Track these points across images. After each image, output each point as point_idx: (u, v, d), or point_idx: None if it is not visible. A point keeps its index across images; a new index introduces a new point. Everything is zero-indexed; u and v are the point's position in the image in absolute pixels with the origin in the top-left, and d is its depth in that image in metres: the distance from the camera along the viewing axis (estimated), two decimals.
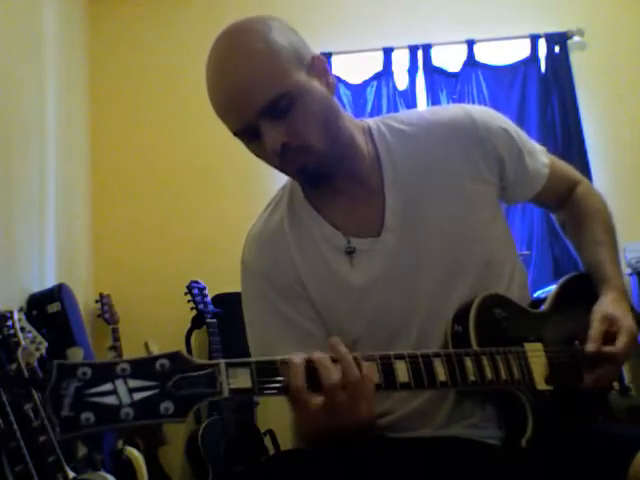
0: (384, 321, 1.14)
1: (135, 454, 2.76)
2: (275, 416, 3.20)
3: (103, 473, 2.26)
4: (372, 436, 1.03)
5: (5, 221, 2.69)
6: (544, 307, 1.21)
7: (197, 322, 3.29)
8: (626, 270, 3.12)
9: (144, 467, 2.74)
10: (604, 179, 3.48)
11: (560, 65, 3.62)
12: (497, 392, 1.07)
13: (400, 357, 0.97)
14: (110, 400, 0.77)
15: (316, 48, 1.14)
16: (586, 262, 1.29)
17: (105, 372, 0.78)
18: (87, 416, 0.75)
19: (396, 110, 3.56)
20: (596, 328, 1.12)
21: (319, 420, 0.93)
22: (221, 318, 3.26)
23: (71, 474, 1.97)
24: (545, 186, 1.28)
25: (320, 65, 1.12)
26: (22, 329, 2.06)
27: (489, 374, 1.02)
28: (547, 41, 3.64)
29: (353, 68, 3.71)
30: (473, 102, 3.59)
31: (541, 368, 1.09)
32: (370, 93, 3.68)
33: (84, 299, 3.36)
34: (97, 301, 3.39)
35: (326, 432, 0.95)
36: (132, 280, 3.60)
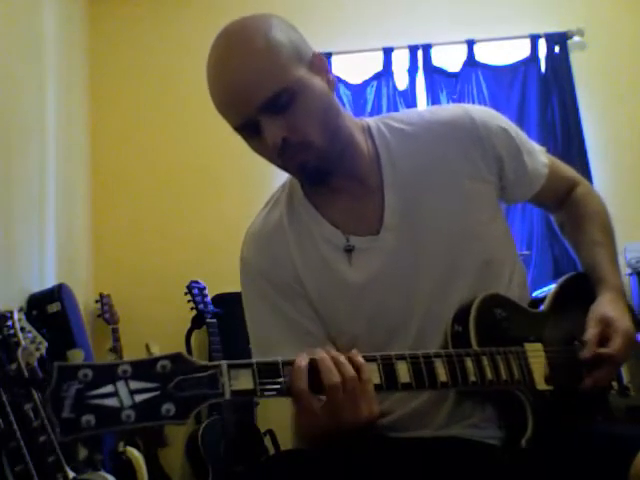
0: (382, 320, 1.14)
1: (135, 454, 2.76)
2: (275, 416, 3.20)
3: (103, 473, 2.26)
4: (372, 436, 1.03)
5: (5, 221, 2.68)
6: (543, 307, 1.21)
7: (197, 322, 3.29)
8: (626, 270, 3.12)
9: (144, 467, 2.74)
10: (604, 179, 3.48)
11: (560, 65, 3.62)
12: (497, 392, 1.07)
13: (401, 357, 0.97)
14: (111, 402, 0.77)
15: (316, 48, 1.14)
16: (584, 262, 1.29)
17: (106, 374, 0.78)
18: (88, 418, 0.75)
19: (396, 110, 3.56)
20: (591, 331, 1.12)
21: (321, 420, 0.93)
22: (221, 318, 3.26)
23: (71, 474, 1.97)
24: (544, 186, 1.28)
25: (320, 63, 1.12)
26: (22, 329, 2.06)
27: (489, 374, 1.02)
28: (547, 41, 3.64)
29: (353, 68, 3.71)
30: (473, 102, 3.59)
31: (541, 368, 1.09)
32: (370, 93, 3.69)
33: (84, 299, 3.36)
34: (97, 301, 3.39)
35: (328, 432, 0.95)
36: (132, 280, 3.60)
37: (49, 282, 2.97)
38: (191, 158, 3.72)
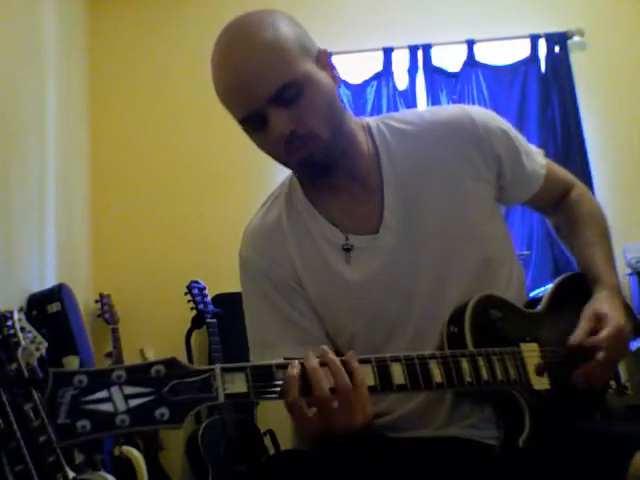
0: (381, 319, 1.14)
1: (135, 454, 2.76)
2: (275, 416, 3.20)
3: (103, 473, 2.26)
4: (372, 436, 1.03)
5: (5, 221, 2.69)
6: (540, 307, 1.21)
7: (197, 322, 3.29)
8: (626, 270, 3.12)
9: (144, 467, 2.74)
10: (604, 179, 3.48)
11: (560, 65, 3.62)
12: (494, 392, 1.07)
13: (396, 359, 0.97)
14: (106, 407, 0.77)
15: None
16: (580, 263, 1.29)
17: (101, 379, 0.79)
18: (83, 423, 0.76)
19: (396, 110, 3.56)
20: (583, 324, 1.11)
21: (315, 426, 0.93)
22: (221, 318, 3.26)
23: (71, 474, 1.97)
24: (542, 187, 1.29)
25: (326, 59, 1.13)
26: (22, 329, 2.06)
27: (485, 375, 1.03)
28: (547, 41, 3.64)
29: (353, 68, 3.71)
30: (473, 102, 3.59)
31: (538, 368, 1.09)
32: (370, 93, 3.69)
33: (84, 299, 3.36)
34: (97, 301, 3.39)
35: (323, 436, 0.95)
36: (132, 280, 3.60)
37: (49, 282, 2.97)
38: (191, 158, 3.72)
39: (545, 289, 1.26)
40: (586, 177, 3.39)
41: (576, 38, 3.65)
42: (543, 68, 3.64)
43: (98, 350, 3.28)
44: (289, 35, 1.07)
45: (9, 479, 1.79)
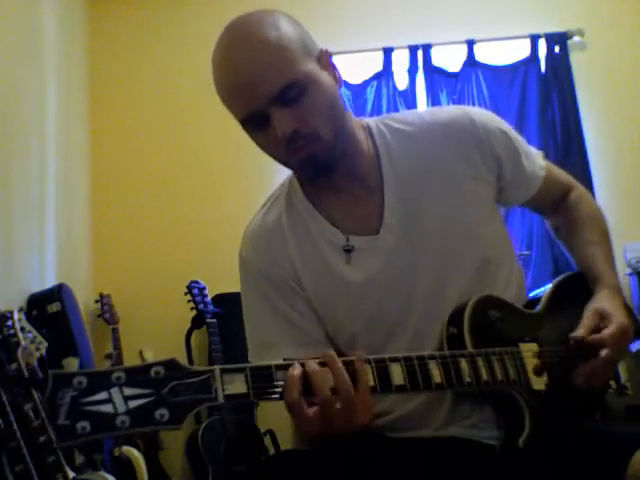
0: (381, 319, 1.14)
1: (135, 454, 2.76)
2: (275, 416, 3.20)
3: (103, 473, 2.26)
4: (372, 436, 1.03)
5: (5, 221, 2.69)
6: (539, 307, 1.21)
7: (197, 322, 3.29)
8: (626, 270, 3.12)
9: (144, 467, 2.74)
10: (604, 179, 3.48)
11: (560, 65, 3.62)
12: (494, 393, 1.07)
13: (395, 360, 0.97)
14: (106, 408, 0.78)
15: None
16: (580, 263, 1.29)
17: (100, 381, 0.79)
18: (83, 425, 0.76)
19: (396, 110, 3.56)
20: (585, 321, 1.11)
21: (315, 427, 0.93)
22: (221, 318, 3.26)
23: (71, 474, 1.97)
24: (541, 188, 1.29)
25: (327, 59, 1.13)
26: (22, 329, 2.06)
27: (484, 375, 1.03)
28: (547, 41, 3.64)
29: (353, 68, 3.71)
30: (473, 102, 3.59)
31: (537, 368, 1.09)
32: (370, 93, 3.69)
33: (84, 299, 3.36)
34: (97, 301, 3.39)
35: (323, 436, 0.95)
36: (132, 280, 3.60)
37: (49, 282, 2.98)
38: (191, 158, 3.72)
39: (544, 289, 1.26)
40: (586, 177, 3.39)
41: (576, 38, 3.65)
42: (543, 68, 3.64)
43: (98, 350, 3.29)
44: (291, 35, 1.07)
45: (9, 479, 1.79)
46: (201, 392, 0.82)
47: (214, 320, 3.23)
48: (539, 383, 1.07)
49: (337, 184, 1.17)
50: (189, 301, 3.26)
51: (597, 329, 1.10)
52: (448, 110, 1.27)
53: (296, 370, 0.90)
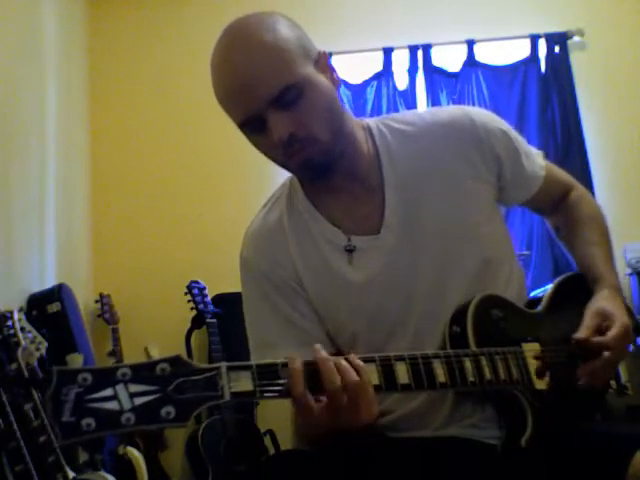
0: (382, 319, 1.14)
1: (135, 454, 2.76)
2: (275, 416, 3.21)
3: (103, 473, 2.26)
4: (372, 436, 1.03)
5: (5, 221, 2.69)
6: (540, 307, 1.21)
7: (197, 322, 3.29)
8: (626, 270, 3.12)
9: (144, 467, 2.74)
10: (604, 179, 3.48)
11: (560, 65, 3.62)
12: (496, 392, 1.07)
13: (400, 358, 0.97)
14: (111, 405, 0.77)
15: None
16: (580, 263, 1.29)
17: (106, 377, 0.78)
18: (88, 421, 0.75)
19: (396, 110, 3.56)
20: (587, 321, 1.11)
21: (322, 422, 0.93)
22: (221, 318, 3.26)
23: (71, 474, 1.97)
24: (541, 188, 1.29)
25: (326, 61, 1.13)
26: (22, 329, 2.06)
27: (488, 374, 1.03)
28: (547, 41, 3.64)
29: (353, 68, 3.71)
30: (473, 102, 3.59)
31: (539, 368, 1.09)
32: (370, 93, 3.69)
33: (84, 299, 3.36)
34: (97, 301, 3.39)
35: (329, 432, 0.95)
36: (132, 280, 3.60)
37: (49, 282, 2.97)
38: (191, 158, 3.72)
39: (545, 289, 1.26)
40: (586, 177, 3.39)
41: (576, 38, 3.65)
42: (543, 68, 3.64)
43: (98, 350, 3.28)
44: (289, 37, 1.06)
45: (9, 479, 1.79)
46: (207, 390, 0.82)
47: (214, 320, 3.23)
48: (541, 383, 1.07)
49: (337, 185, 1.17)
50: (189, 301, 3.26)
51: (599, 329, 1.10)
52: (448, 110, 1.27)
53: (298, 362, 0.90)
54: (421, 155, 1.18)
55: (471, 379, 1.01)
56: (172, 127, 3.75)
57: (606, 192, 3.39)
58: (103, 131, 3.75)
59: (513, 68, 3.67)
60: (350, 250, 1.15)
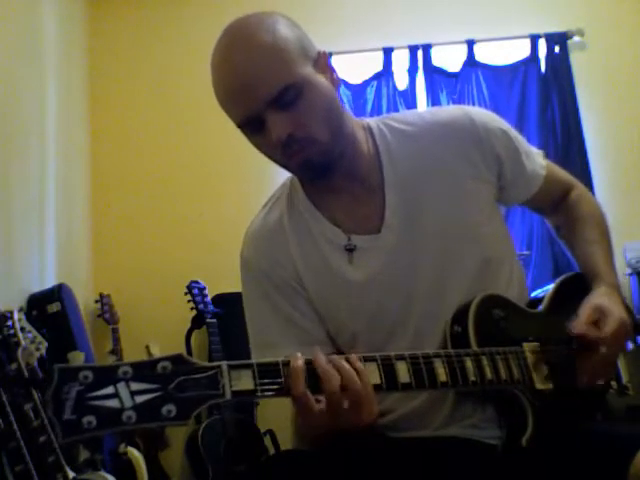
0: (382, 319, 1.14)
1: (135, 454, 2.76)
2: (275, 416, 3.21)
3: (103, 473, 2.26)
4: (372, 435, 1.03)
5: (5, 221, 2.69)
6: (541, 307, 1.21)
7: (197, 322, 3.29)
8: (626, 270, 3.12)
9: (144, 467, 2.74)
10: (604, 179, 3.48)
11: (560, 65, 3.62)
12: (497, 392, 1.07)
13: (401, 358, 0.97)
14: (112, 403, 0.77)
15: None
16: (579, 261, 1.29)
17: (107, 375, 0.78)
18: (89, 419, 0.75)
19: (396, 110, 3.56)
20: (584, 315, 1.11)
21: (321, 422, 0.93)
22: (221, 318, 3.26)
23: (71, 474, 1.97)
24: (542, 188, 1.29)
25: (325, 61, 1.13)
26: (22, 329, 2.06)
27: (489, 374, 1.03)
28: (547, 41, 3.64)
29: (353, 68, 3.71)
30: (473, 102, 3.59)
31: (540, 368, 1.09)
32: (370, 93, 3.69)
33: (84, 299, 3.36)
34: (97, 301, 3.39)
35: (329, 433, 0.95)
36: (132, 280, 3.60)
37: (49, 282, 2.97)
38: (191, 158, 3.72)
39: (546, 289, 1.26)
40: (586, 177, 3.39)
41: (576, 38, 3.65)
42: (543, 68, 3.64)
43: (98, 350, 3.28)
44: (289, 37, 1.06)
45: (9, 479, 1.79)
46: (208, 388, 0.82)
47: (214, 320, 3.23)
48: (542, 383, 1.07)
49: (337, 185, 1.17)
50: (189, 301, 3.26)
51: (596, 324, 1.10)
52: (448, 110, 1.28)
53: (299, 361, 0.90)
54: (421, 155, 1.18)
55: (472, 379, 1.01)
56: (172, 127, 3.75)
57: (606, 192, 3.39)
58: (103, 131, 3.75)
59: (513, 68, 3.67)
60: (350, 249, 1.15)
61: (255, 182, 3.34)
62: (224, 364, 0.84)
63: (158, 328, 3.46)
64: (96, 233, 3.66)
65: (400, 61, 3.70)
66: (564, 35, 3.63)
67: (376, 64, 3.70)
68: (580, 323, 1.10)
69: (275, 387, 0.88)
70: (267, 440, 3.22)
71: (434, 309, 1.13)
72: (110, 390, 0.77)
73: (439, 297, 1.13)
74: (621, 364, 1.21)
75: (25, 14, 3.01)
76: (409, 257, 1.14)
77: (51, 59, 3.25)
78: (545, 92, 3.61)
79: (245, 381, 0.85)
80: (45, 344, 2.13)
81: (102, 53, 3.81)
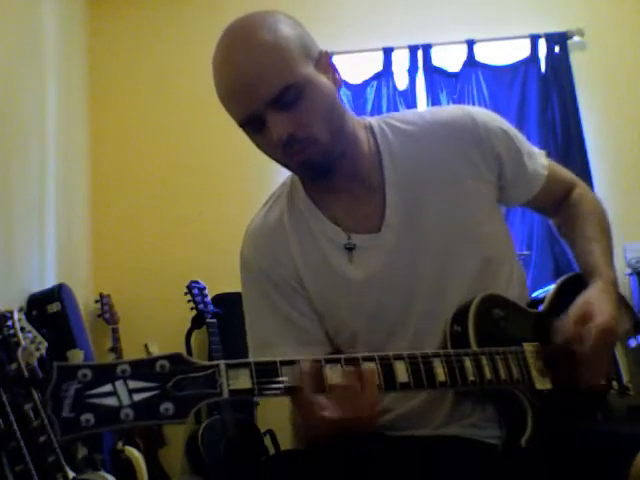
0: (382, 318, 1.14)
1: (135, 454, 2.76)
2: (275, 416, 3.20)
3: (103, 473, 2.26)
4: (371, 435, 1.03)
5: (5, 221, 2.69)
6: (542, 307, 1.21)
7: (197, 322, 3.29)
8: (626, 270, 3.12)
9: (144, 467, 2.73)
10: (604, 179, 3.48)
11: (560, 65, 3.62)
12: (496, 392, 1.07)
13: (399, 357, 0.97)
14: (110, 401, 0.77)
15: None
16: (578, 258, 1.29)
17: (105, 373, 0.78)
18: (87, 417, 0.76)
19: (396, 110, 3.56)
20: (571, 312, 1.11)
21: (323, 424, 0.93)
22: (221, 318, 3.26)
23: (71, 474, 1.97)
24: (543, 187, 1.28)
25: (327, 61, 1.13)
26: (22, 329, 2.06)
27: (488, 374, 1.03)
28: (547, 41, 3.64)
29: (353, 68, 3.71)
30: (473, 102, 3.59)
31: (540, 368, 1.09)
32: (370, 93, 3.69)
33: (84, 299, 3.36)
34: (97, 301, 3.39)
35: (331, 433, 0.95)
36: (132, 280, 3.60)
37: (49, 282, 2.97)
38: (191, 158, 3.72)
39: (547, 290, 1.26)
40: (586, 177, 3.39)
41: (576, 38, 3.65)
42: (543, 68, 3.64)
43: (98, 350, 3.28)
44: (290, 36, 1.06)
45: (9, 479, 1.79)
46: (206, 387, 0.82)
47: (214, 320, 3.23)
48: (542, 383, 1.07)
49: (338, 184, 1.17)
50: (189, 301, 3.26)
51: (582, 321, 1.09)
52: (449, 110, 1.28)
53: (307, 364, 0.90)
54: (422, 154, 1.18)
55: (471, 378, 1.01)
56: (172, 127, 3.75)
57: (606, 192, 3.39)
58: (103, 131, 3.75)
59: (513, 68, 3.67)
60: (350, 248, 1.15)
61: (255, 181, 3.34)
62: (222, 363, 0.84)
63: (158, 328, 3.46)
64: (96, 233, 3.66)
65: (400, 61, 3.70)
66: (564, 35, 3.63)
67: (376, 64, 3.70)
68: (566, 320, 1.10)
69: (273, 386, 0.88)
70: (267, 440, 3.21)
71: (434, 309, 1.13)
72: (108, 388, 0.78)
73: (439, 297, 1.13)
74: (622, 364, 1.21)
75: (25, 14, 3.01)
76: (409, 256, 1.14)
77: (51, 59, 3.25)
78: (545, 92, 3.61)
79: (243, 380, 0.85)
80: (45, 344, 2.13)
81: (102, 53, 3.81)
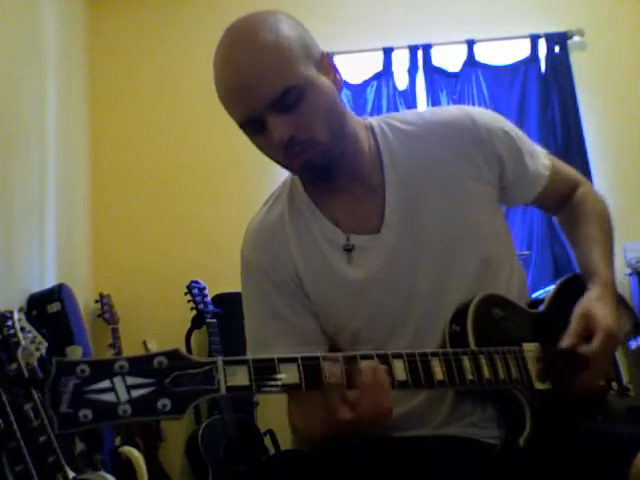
0: (382, 318, 1.14)
1: (135, 454, 2.76)
2: (275, 416, 3.20)
3: (103, 473, 2.26)
4: (371, 435, 1.03)
5: (5, 221, 2.69)
6: (542, 307, 1.21)
7: (197, 322, 3.29)
8: (626, 270, 3.12)
9: (144, 467, 2.73)
10: (604, 179, 3.48)
11: (560, 65, 3.62)
12: (495, 391, 1.07)
13: (398, 356, 0.97)
14: (108, 397, 0.78)
15: None
16: (578, 258, 1.29)
17: (103, 369, 0.79)
18: (85, 412, 0.76)
19: (396, 110, 3.56)
20: (572, 326, 1.10)
21: (345, 426, 0.92)
22: (221, 318, 3.26)
23: (71, 474, 1.97)
24: (546, 187, 1.28)
25: (328, 62, 1.12)
26: (22, 329, 2.06)
27: (487, 373, 1.03)
28: (547, 41, 3.64)
29: (353, 68, 3.71)
30: (473, 102, 3.59)
31: (539, 368, 1.09)
32: (370, 93, 3.69)
33: (84, 299, 3.36)
34: (97, 301, 3.39)
35: (356, 431, 0.94)
36: (132, 280, 3.60)
37: (49, 282, 2.97)
38: (191, 158, 3.72)
39: (548, 290, 1.25)
40: (586, 177, 3.36)
41: (576, 38, 3.65)
42: (543, 68, 3.64)
43: (98, 350, 3.28)
44: (292, 37, 1.06)
45: (9, 479, 1.79)
46: (203, 383, 0.82)
47: (214, 320, 3.23)
48: (541, 383, 1.07)
49: (338, 185, 1.17)
50: (189, 301, 3.26)
51: (585, 331, 1.09)
52: (449, 110, 1.27)
53: (337, 368, 0.90)
54: (422, 155, 1.18)
55: (470, 378, 1.01)
56: (172, 127, 3.75)
57: (606, 192, 3.35)
58: (103, 131, 3.75)
59: (513, 68, 3.67)
60: (349, 249, 1.15)
61: (255, 182, 3.34)
62: (219, 359, 0.85)
63: (158, 328, 3.45)
64: (96, 233, 3.66)
65: (400, 61, 3.70)
66: (564, 35, 3.63)
67: (376, 64, 3.70)
68: (568, 336, 1.09)
69: (270, 383, 0.88)
70: (267, 440, 3.21)
71: (434, 309, 1.13)
72: (106, 384, 0.78)
73: (439, 297, 1.13)
74: (622, 365, 1.20)
75: (25, 14, 3.01)
76: (409, 256, 1.14)
77: (51, 59, 3.25)
78: (545, 92, 3.61)
79: (240, 377, 0.85)
80: (45, 344, 2.13)
81: (102, 53, 3.81)
